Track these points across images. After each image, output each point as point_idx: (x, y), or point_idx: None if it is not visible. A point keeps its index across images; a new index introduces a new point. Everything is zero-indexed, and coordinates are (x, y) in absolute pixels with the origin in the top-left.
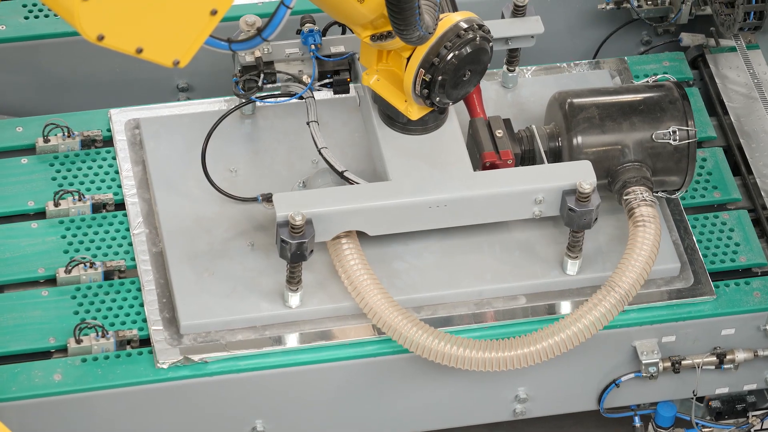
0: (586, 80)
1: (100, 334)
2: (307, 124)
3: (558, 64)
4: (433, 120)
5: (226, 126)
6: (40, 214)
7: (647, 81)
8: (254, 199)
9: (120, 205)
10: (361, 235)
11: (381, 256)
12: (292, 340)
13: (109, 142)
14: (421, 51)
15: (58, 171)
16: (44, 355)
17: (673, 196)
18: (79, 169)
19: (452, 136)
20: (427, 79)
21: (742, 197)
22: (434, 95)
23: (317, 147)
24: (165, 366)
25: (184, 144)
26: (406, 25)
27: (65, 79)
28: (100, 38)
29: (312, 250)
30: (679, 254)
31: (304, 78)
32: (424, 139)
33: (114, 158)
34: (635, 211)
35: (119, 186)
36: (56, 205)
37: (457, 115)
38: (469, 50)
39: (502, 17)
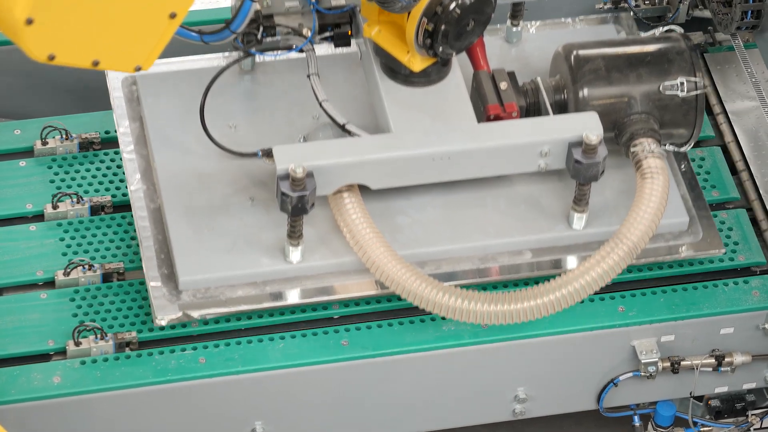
0: (592, 35)
1: (99, 336)
2: (308, 77)
3: (563, 20)
4: (436, 72)
5: (225, 82)
6: (39, 217)
7: (654, 33)
8: (254, 154)
9: (119, 207)
10: (363, 190)
11: (383, 210)
12: (293, 296)
13: (107, 144)
14: (424, 0)
15: (56, 174)
16: (43, 357)
17: (681, 150)
18: (77, 171)
19: (456, 89)
20: (430, 29)
21: (740, 196)
22: (437, 45)
23: (318, 100)
24: (163, 323)
25: (182, 100)
26: None
27: (63, 81)
28: (51, 58)
29: (313, 204)
30: (687, 209)
31: (304, 31)
32: (427, 92)
33: (112, 160)
34: (643, 163)
35: (117, 188)
36: (54, 207)
37: (460, 68)
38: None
39: None
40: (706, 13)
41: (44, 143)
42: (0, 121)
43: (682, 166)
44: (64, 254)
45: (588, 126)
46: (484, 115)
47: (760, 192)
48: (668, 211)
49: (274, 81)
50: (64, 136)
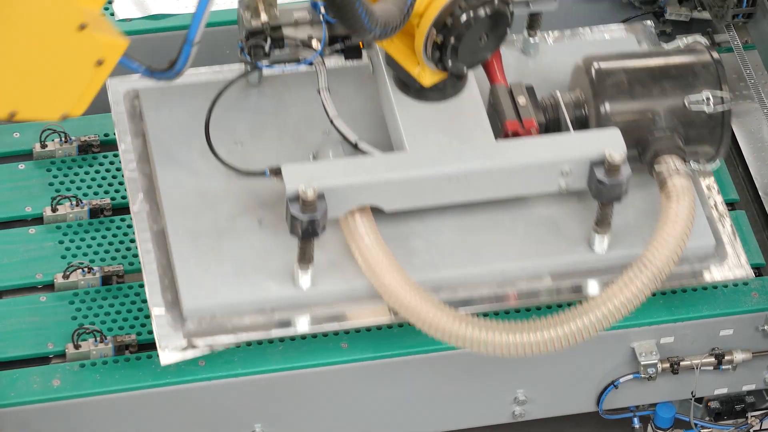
0: (612, 47)
1: (98, 339)
2: (318, 92)
3: (581, 29)
4: (451, 86)
5: (231, 96)
6: (38, 220)
7: (678, 45)
8: (262, 173)
9: (118, 210)
10: (375, 211)
11: (396, 233)
12: (302, 324)
13: (106, 146)
14: (435, 9)
15: (55, 176)
16: (43, 360)
17: (705, 168)
18: (76, 174)
19: (472, 104)
20: (439, 42)
21: (739, 197)
22: (446, 59)
23: (328, 116)
24: (168, 350)
25: (186, 115)
26: (347, 25)
27: None
28: None
29: (324, 226)
30: (713, 230)
31: (314, 43)
32: (443, 107)
33: (111, 162)
34: (668, 183)
35: (116, 191)
36: (54, 210)
37: (476, 82)
38: (485, 13)
39: None
40: (705, 15)
41: (43, 146)
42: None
43: (707, 184)
44: (63, 257)
45: (610, 143)
46: (501, 131)
47: (760, 193)
48: (693, 233)
49: (282, 95)
50: (63, 138)
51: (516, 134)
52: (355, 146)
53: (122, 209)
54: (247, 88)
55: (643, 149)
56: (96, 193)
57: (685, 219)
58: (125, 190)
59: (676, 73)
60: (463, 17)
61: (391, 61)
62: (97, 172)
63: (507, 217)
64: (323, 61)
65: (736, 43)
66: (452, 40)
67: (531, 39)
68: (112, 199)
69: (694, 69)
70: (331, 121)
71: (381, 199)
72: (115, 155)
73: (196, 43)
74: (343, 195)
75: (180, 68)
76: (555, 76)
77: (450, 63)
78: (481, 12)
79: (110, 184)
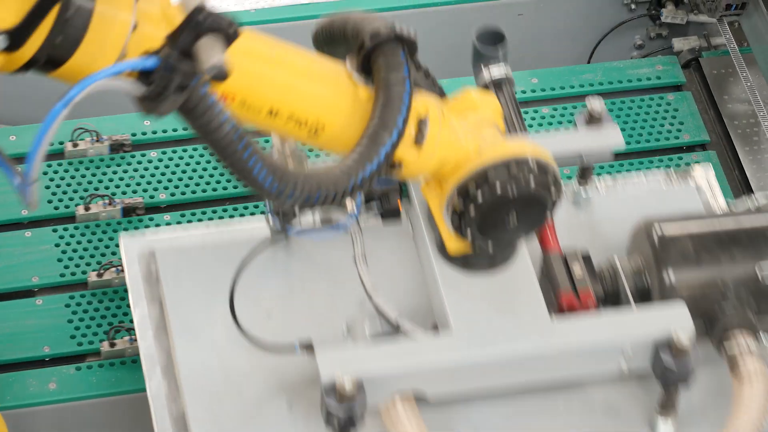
0: (670, 197)
1: (133, 337)
2: (354, 262)
3: (635, 176)
4: (501, 254)
5: (257, 257)
6: (70, 218)
7: (748, 207)
8: (292, 349)
9: (150, 209)
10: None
11: (440, 419)
12: None
13: (138, 146)
14: (463, 173)
15: (84, 176)
16: (71, 359)
17: None
18: (105, 173)
19: (524, 275)
20: (458, 209)
21: (735, 200)
22: (465, 230)
23: (366, 291)
24: None
25: (208, 281)
26: (250, 187)
27: (56, 87)
28: None
29: (363, 416)
30: None
31: (348, 204)
32: (491, 279)
33: (140, 162)
34: (739, 365)
35: (145, 190)
36: (86, 209)
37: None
38: (513, 192)
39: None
40: (702, 18)
41: (75, 145)
42: (2, 127)
43: None
44: (93, 256)
45: (677, 322)
46: (555, 305)
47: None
48: None
49: (312, 255)
50: (95, 138)
51: (572, 309)
52: (396, 328)
53: (154, 208)
54: (274, 249)
55: (710, 323)
56: (124, 193)
57: (761, 405)
58: (154, 189)
59: (746, 239)
60: (487, 190)
61: (433, 224)
62: (125, 171)
63: (560, 400)
64: (359, 224)
65: (732, 46)
66: (472, 211)
67: (582, 192)
68: (151, 197)
69: (766, 233)
70: (370, 298)
71: (426, 387)
72: (152, 153)
73: (33, 182)
74: (384, 384)
75: (26, 206)
76: (609, 232)
77: (469, 235)
78: (508, 190)
79: (138, 184)
